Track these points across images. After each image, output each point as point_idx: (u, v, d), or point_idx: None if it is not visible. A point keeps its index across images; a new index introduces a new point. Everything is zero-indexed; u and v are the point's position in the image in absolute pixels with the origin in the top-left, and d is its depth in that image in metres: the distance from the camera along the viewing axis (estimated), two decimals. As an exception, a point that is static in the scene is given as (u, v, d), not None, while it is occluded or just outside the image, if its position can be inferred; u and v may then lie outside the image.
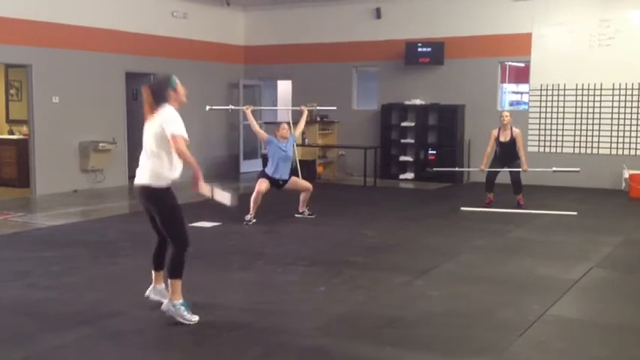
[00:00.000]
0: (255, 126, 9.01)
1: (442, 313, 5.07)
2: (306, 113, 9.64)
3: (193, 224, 8.40)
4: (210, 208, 9.18)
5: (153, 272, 5.09)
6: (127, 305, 5.12)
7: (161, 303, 4.87)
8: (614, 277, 6.30)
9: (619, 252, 7.23)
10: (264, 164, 8.93)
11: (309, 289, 5.69)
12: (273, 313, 5.02)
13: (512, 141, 9.83)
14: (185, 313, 4.74)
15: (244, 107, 9.35)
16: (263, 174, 8.90)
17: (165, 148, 4.71)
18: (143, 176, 4.80)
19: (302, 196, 9.07)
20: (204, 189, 4.83)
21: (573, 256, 6.97)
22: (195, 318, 4.77)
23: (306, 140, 13.65)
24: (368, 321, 4.90)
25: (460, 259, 6.81)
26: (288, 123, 9.49)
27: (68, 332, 4.63)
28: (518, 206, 9.88)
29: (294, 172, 10.45)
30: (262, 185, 8.72)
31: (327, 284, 5.80)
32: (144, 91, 4.86)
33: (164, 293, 5.01)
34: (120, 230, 8.27)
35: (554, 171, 10.05)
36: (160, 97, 4.79)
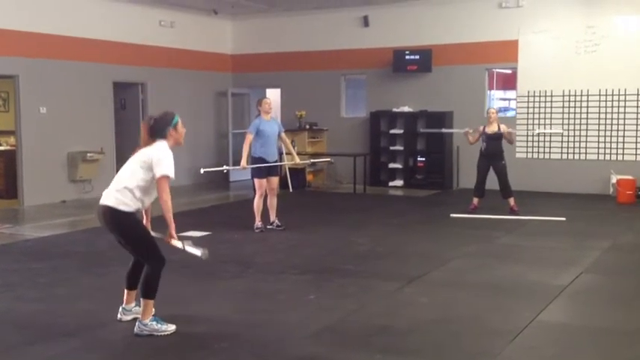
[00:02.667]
0: (246, 152, 8.73)
1: (432, 320, 5.07)
2: (294, 154, 9.28)
3: (183, 234, 8.35)
4: (199, 217, 9.21)
5: (125, 291, 4.99)
6: (115, 316, 5.07)
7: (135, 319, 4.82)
8: (603, 281, 6.32)
9: (608, 257, 7.26)
10: (252, 174, 8.80)
11: (299, 297, 5.67)
12: (263, 323, 5.00)
13: (499, 134, 9.92)
14: (158, 326, 4.66)
15: (240, 167, 8.86)
16: (256, 173, 8.64)
17: (143, 182, 4.64)
18: (109, 198, 4.70)
19: (269, 201, 8.76)
20: (175, 244, 4.75)
21: (563, 261, 6.99)
22: (172, 327, 4.70)
23: (296, 148, 13.63)
24: (358, 329, 4.89)
25: (450, 266, 6.82)
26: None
27: (56, 344, 4.60)
28: (512, 212, 9.88)
29: (284, 183, 10.41)
30: (261, 188, 8.61)
31: (317, 292, 5.79)
32: (142, 127, 4.80)
33: (136, 310, 4.94)
34: (108, 241, 8.15)
35: (538, 134, 10.19)
36: (158, 132, 4.72)
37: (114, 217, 4.67)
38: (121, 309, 5.00)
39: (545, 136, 12.30)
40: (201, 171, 9.07)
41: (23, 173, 11.27)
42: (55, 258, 7.24)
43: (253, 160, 8.71)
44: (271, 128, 8.68)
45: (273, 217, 8.82)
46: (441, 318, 5.12)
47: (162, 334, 4.66)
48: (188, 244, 4.83)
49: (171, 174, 4.65)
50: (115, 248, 7.70)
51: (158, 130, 4.74)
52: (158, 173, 4.60)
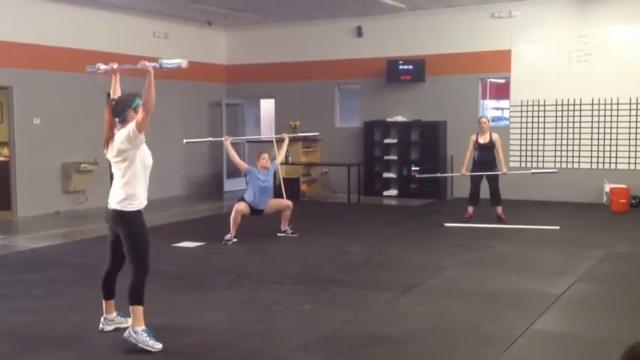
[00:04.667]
0: (235, 157, 8.82)
1: (428, 330, 5.07)
2: (287, 141, 9.40)
3: (176, 244, 8.36)
4: (192, 227, 9.20)
5: (103, 302, 4.97)
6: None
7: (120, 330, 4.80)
8: (597, 290, 6.34)
9: (602, 265, 7.27)
10: (241, 196, 8.89)
11: (293, 307, 5.66)
12: (257, 333, 4.99)
13: (491, 144, 9.97)
14: (148, 339, 4.59)
15: (224, 138, 9.24)
16: (242, 199, 8.85)
17: (130, 167, 4.64)
18: (113, 200, 4.72)
19: (283, 214, 9.03)
20: (150, 65, 4.65)
21: (557, 270, 7.00)
22: (159, 345, 4.59)
23: (290, 158, 13.65)
24: (353, 339, 4.88)
25: (445, 275, 6.82)
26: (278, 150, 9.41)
27: (49, 355, 4.58)
28: (499, 221, 9.95)
29: (277, 192, 10.43)
30: (241, 205, 8.68)
31: (311, 302, 5.78)
32: (105, 112, 4.76)
33: (119, 320, 4.94)
34: (102, 251, 8.10)
35: (533, 173, 10.25)
36: (119, 114, 4.70)
37: (120, 219, 4.68)
38: (102, 319, 4.98)
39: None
40: (184, 141, 9.72)
41: (17, 184, 11.24)
42: (49, 269, 7.21)
43: (243, 199, 8.83)
44: (268, 179, 8.82)
45: (285, 226, 9.02)
46: (436, 327, 5.12)
47: (148, 348, 4.55)
48: (163, 61, 4.68)
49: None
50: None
51: (119, 111, 4.70)
52: (130, 128, 4.56)
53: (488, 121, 10.31)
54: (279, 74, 14.75)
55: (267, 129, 15.51)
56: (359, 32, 13.90)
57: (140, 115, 4.56)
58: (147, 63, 4.67)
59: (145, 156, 4.76)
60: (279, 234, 9.01)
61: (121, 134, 4.64)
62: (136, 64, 4.74)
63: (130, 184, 4.67)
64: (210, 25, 14.42)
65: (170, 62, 4.73)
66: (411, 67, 13.32)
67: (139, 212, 4.72)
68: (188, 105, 14.30)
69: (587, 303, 5.89)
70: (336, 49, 14.16)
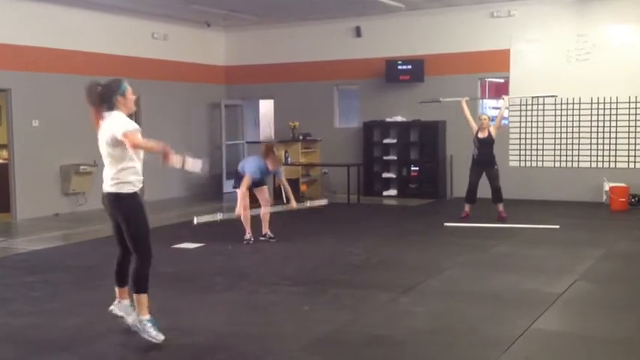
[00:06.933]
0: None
1: (427, 330, 5.06)
2: (285, 183, 8.93)
3: (176, 245, 8.35)
4: (192, 229, 9.17)
5: (116, 288, 5.00)
6: (108, 330, 5.04)
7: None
8: (597, 289, 6.33)
9: (602, 264, 7.27)
10: (235, 184, 8.70)
11: (293, 309, 5.65)
12: (257, 335, 4.98)
13: (490, 139, 9.98)
14: (152, 330, 4.64)
15: (235, 215, 8.59)
16: (242, 178, 8.41)
17: (121, 154, 4.61)
18: (107, 184, 4.71)
19: (262, 212, 8.67)
20: (175, 160, 4.56)
21: (557, 269, 6.99)
22: (161, 337, 4.66)
23: (289, 159, 13.64)
24: (353, 340, 4.87)
25: (445, 275, 6.81)
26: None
27: (49, 358, 4.56)
28: (501, 219, 9.94)
29: (278, 194, 10.35)
30: (246, 199, 8.50)
31: (311, 303, 5.77)
32: (87, 100, 4.70)
33: (128, 311, 4.94)
34: (102, 254, 8.17)
35: (533, 98, 10.35)
36: (106, 100, 4.65)
37: (117, 201, 4.67)
38: (116, 302, 5.01)
39: (538, 150, 12.37)
40: (195, 222, 8.10)
41: (16, 186, 11.23)
42: (48, 272, 7.20)
43: (239, 175, 8.55)
44: (263, 176, 8.60)
45: (265, 229, 8.76)
46: (436, 328, 5.11)
47: (150, 338, 4.63)
48: (188, 158, 4.65)
49: (135, 127, 4.56)
50: (108, 262, 7.69)
51: (106, 97, 4.66)
52: (120, 134, 4.50)
53: (489, 118, 10.32)
54: (278, 75, 14.74)
55: (266, 130, 15.52)
56: (357, 32, 13.89)
57: (134, 141, 4.51)
58: (174, 160, 4.57)
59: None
60: (260, 237, 8.68)
61: (110, 130, 4.59)
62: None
63: (124, 167, 4.64)
64: (209, 26, 14.42)
65: (192, 169, 4.73)
66: (409, 67, 13.31)
67: (135, 194, 4.69)
68: (187, 106, 14.29)
69: (587, 302, 5.89)
70: (335, 49, 14.15)
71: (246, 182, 8.37)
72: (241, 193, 8.42)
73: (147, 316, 4.68)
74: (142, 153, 4.75)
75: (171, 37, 13.97)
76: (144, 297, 4.68)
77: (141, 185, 4.75)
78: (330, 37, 14.23)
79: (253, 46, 15.06)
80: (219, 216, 8.25)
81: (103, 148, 4.72)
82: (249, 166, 8.49)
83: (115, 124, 4.60)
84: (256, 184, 8.62)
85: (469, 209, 10.22)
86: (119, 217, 4.73)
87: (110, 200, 4.72)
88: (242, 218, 8.57)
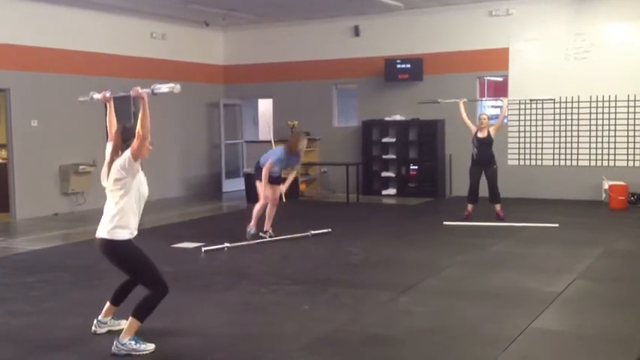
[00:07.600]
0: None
1: (427, 329, 5.06)
2: (293, 174, 9.07)
3: (175, 245, 8.35)
4: (192, 228, 9.20)
5: (107, 304, 4.96)
6: (108, 330, 5.03)
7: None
8: (596, 288, 6.33)
9: (601, 263, 7.27)
10: (247, 187, 8.81)
11: (293, 308, 5.65)
12: (257, 334, 4.98)
13: (489, 139, 10.00)
14: (137, 345, 4.53)
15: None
16: (262, 169, 8.57)
17: (125, 196, 4.55)
18: (103, 227, 4.63)
19: (268, 210, 8.80)
20: (143, 90, 4.52)
21: (556, 268, 7.00)
22: (151, 347, 4.57)
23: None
24: (353, 339, 4.87)
25: (444, 274, 6.82)
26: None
27: (49, 358, 4.56)
28: (498, 219, 9.95)
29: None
30: (267, 189, 8.64)
31: (311, 303, 5.77)
32: (115, 133, 4.73)
33: (111, 323, 4.93)
34: (101, 253, 8.17)
35: (531, 100, 10.31)
36: (127, 139, 4.60)
37: (110, 249, 4.62)
38: (96, 321, 4.96)
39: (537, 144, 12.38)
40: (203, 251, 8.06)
41: (15, 186, 11.22)
42: (48, 271, 7.20)
43: (261, 169, 8.68)
44: (281, 164, 8.80)
45: (267, 226, 8.82)
46: (436, 327, 5.12)
47: (141, 353, 4.52)
48: (156, 86, 4.57)
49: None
50: (107, 262, 7.69)
51: (128, 136, 4.63)
52: (130, 151, 4.47)
53: (488, 118, 10.34)
54: (277, 74, 14.73)
55: (265, 129, 15.51)
56: (356, 31, 13.89)
57: (135, 142, 4.47)
58: (140, 89, 4.56)
59: (141, 185, 4.68)
60: (261, 234, 8.71)
61: (118, 162, 4.57)
62: (128, 91, 4.67)
63: (122, 214, 4.57)
64: (208, 25, 14.40)
65: (162, 87, 4.59)
66: (408, 65, 13.30)
67: (128, 241, 4.63)
68: (186, 105, 14.26)
69: (586, 301, 5.89)
70: (334, 48, 14.15)
71: (266, 171, 8.53)
72: (264, 180, 8.60)
73: (128, 338, 4.55)
74: (144, 201, 4.71)
75: (170, 37, 13.96)
76: (137, 324, 4.57)
77: (135, 233, 4.67)
78: (329, 36, 14.23)
79: (252, 45, 15.06)
80: (226, 245, 8.25)
81: (107, 190, 4.66)
82: (274, 153, 8.79)
83: (118, 161, 4.58)
84: (272, 180, 8.75)
85: (471, 209, 10.21)
86: (114, 264, 4.69)
87: (102, 248, 4.66)
88: (256, 208, 8.68)
